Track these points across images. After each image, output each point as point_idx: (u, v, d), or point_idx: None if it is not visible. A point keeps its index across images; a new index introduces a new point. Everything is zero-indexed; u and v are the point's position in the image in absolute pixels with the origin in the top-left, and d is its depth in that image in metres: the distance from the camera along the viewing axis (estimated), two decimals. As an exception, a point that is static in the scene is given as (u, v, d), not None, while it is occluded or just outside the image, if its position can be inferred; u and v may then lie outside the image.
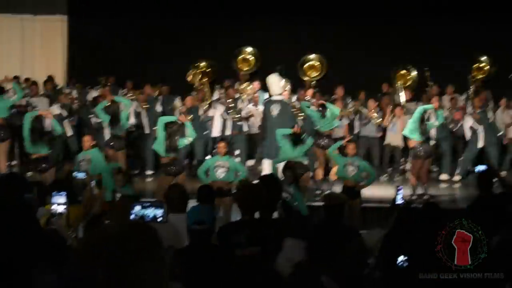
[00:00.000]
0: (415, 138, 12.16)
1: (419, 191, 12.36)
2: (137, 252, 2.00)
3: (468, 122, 14.03)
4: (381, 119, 14.30)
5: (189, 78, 15.11)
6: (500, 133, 14.23)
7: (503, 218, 5.87)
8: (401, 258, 5.02)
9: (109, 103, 12.93)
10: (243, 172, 11.07)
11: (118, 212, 5.93)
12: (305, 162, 11.58)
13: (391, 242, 5.11)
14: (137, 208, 5.70)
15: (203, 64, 15.30)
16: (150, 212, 5.70)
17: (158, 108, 14.90)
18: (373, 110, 14.34)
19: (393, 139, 14.24)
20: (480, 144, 13.88)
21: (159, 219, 5.68)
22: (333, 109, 12.94)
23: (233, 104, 14.09)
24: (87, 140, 11.46)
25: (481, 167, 9.49)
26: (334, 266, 4.72)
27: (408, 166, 14.66)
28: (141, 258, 2.01)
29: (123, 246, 2.00)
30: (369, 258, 5.09)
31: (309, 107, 13.08)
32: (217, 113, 14.39)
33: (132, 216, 5.65)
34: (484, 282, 4.60)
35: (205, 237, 5.31)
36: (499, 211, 6.15)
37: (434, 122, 12.40)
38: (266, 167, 12.63)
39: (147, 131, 14.62)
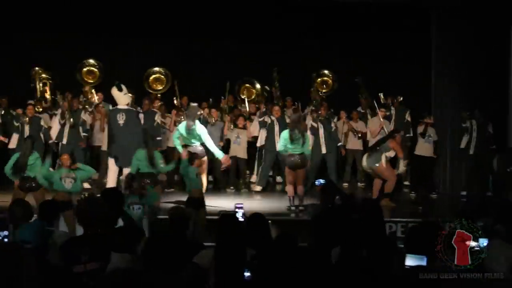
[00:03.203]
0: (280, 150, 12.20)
1: (296, 202, 12.24)
2: None
3: (308, 122, 14.30)
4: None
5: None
6: (339, 144, 14.62)
7: (344, 230, 6.01)
8: (247, 273, 5.03)
9: None
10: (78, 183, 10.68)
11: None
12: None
13: (222, 257, 5.10)
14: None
15: (44, 75, 14.98)
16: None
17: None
18: (213, 120, 14.37)
19: (237, 151, 14.34)
20: (323, 150, 14.15)
21: (5, 240, 5.59)
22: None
23: (68, 115, 13.81)
24: None
25: (321, 180, 9.71)
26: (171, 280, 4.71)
27: (253, 178, 14.85)
28: None
29: None
30: (206, 276, 5.06)
31: None
32: (56, 120, 14.20)
33: None
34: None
35: (33, 256, 5.18)
36: (341, 223, 6.29)
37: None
38: (112, 172, 12.49)
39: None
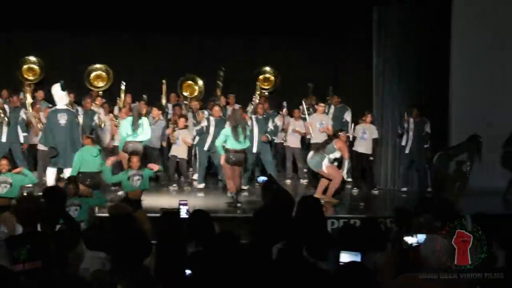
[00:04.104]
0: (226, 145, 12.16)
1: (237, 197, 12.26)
2: None
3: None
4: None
5: None
6: (277, 141, 14.50)
7: (285, 226, 6.04)
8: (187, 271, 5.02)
9: None
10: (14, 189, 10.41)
11: None
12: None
13: (162, 254, 5.08)
14: None
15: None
16: None
17: None
18: (156, 118, 14.24)
19: (178, 151, 14.18)
20: (255, 149, 13.99)
21: None
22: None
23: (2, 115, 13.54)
24: None
25: (263, 178, 9.73)
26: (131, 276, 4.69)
27: (195, 176, 14.71)
28: None
29: None
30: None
31: None
32: None
33: None
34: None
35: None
36: (282, 220, 6.32)
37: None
38: (51, 175, 12.35)
39: None
